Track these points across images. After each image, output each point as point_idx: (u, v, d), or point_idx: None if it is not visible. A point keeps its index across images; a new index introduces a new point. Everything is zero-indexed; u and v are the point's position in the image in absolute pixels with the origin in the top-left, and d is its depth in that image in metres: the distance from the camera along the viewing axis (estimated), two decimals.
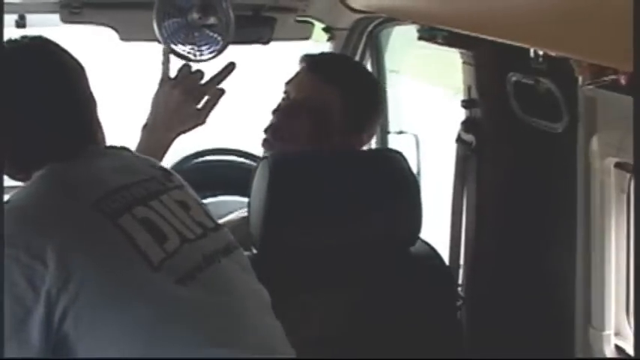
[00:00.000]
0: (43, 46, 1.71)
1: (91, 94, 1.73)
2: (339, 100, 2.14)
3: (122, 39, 2.50)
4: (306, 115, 2.12)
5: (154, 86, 2.14)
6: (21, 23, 2.45)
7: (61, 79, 1.69)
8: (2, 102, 1.61)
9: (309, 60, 2.21)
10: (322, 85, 2.15)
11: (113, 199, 1.59)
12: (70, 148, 1.65)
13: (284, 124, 2.15)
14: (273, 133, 2.16)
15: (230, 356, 1.52)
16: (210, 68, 2.40)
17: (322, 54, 2.33)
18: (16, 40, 1.72)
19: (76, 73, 1.71)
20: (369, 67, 2.87)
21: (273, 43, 2.65)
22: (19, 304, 1.45)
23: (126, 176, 1.66)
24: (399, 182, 2.02)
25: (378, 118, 2.29)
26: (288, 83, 2.20)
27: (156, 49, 2.17)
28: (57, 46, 1.71)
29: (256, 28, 2.60)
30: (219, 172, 2.84)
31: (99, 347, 1.47)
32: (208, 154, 2.90)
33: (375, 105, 2.26)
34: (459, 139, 2.35)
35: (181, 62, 2.24)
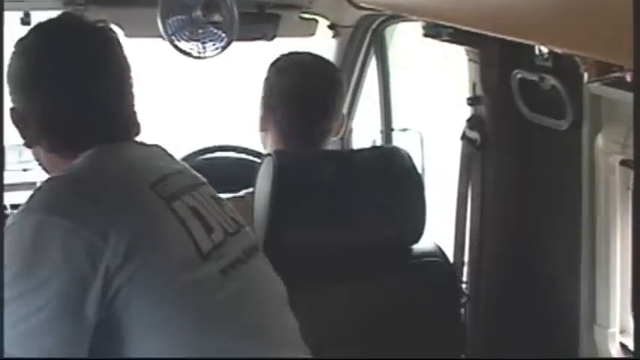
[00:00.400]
0: (99, 30, 1.70)
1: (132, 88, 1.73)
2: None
3: (127, 36, 2.50)
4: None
5: (158, 82, 2.15)
6: (26, 20, 2.46)
7: (116, 64, 1.68)
8: (59, 77, 1.60)
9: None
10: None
11: (165, 183, 1.60)
12: (115, 132, 1.64)
13: None
14: None
15: (260, 350, 1.54)
16: (214, 65, 2.40)
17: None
18: (71, 19, 1.71)
19: (126, 63, 1.70)
20: (373, 63, 2.87)
21: (277, 40, 2.65)
22: (78, 277, 1.43)
23: (167, 165, 1.68)
24: (403, 180, 2.02)
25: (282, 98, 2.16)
26: None
27: (160, 46, 2.18)
28: (114, 33, 1.71)
29: (260, 25, 2.59)
30: (224, 169, 2.84)
31: (144, 331, 1.46)
32: (212, 151, 2.90)
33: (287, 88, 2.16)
34: (463, 137, 2.35)
35: (186, 59, 2.25)
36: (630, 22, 0.91)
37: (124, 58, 1.69)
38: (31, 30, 1.69)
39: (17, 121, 1.65)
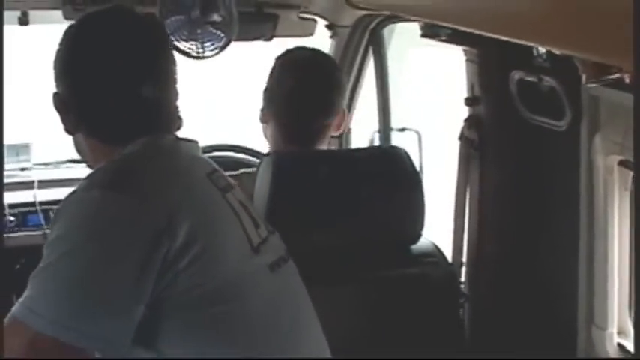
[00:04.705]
0: (150, 23, 1.68)
1: None
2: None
3: None
4: None
5: None
6: (24, 20, 2.45)
7: (167, 58, 1.67)
8: (106, 65, 1.60)
9: None
10: None
11: (217, 175, 1.62)
12: (159, 125, 1.63)
13: None
14: None
15: (295, 350, 1.57)
16: (213, 65, 2.39)
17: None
18: (122, 10, 1.68)
19: (173, 57, 1.69)
20: (371, 64, 2.87)
21: (275, 40, 2.65)
22: (140, 255, 1.43)
23: (210, 160, 1.69)
24: (402, 179, 2.02)
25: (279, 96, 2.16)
26: None
27: None
28: (163, 27, 1.71)
29: (259, 25, 2.59)
30: (223, 169, 2.83)
31: (189, 321, 1.46)
32: (212, 151, 2.89)
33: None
34: (462, 137, 2.35)
35: (184, 59, 2.25)
36: (629, 23, 0.91)
37: (171, 52, 1.68)
38: (82, 17, 1.68)
39: (59, 107, 1.64)
